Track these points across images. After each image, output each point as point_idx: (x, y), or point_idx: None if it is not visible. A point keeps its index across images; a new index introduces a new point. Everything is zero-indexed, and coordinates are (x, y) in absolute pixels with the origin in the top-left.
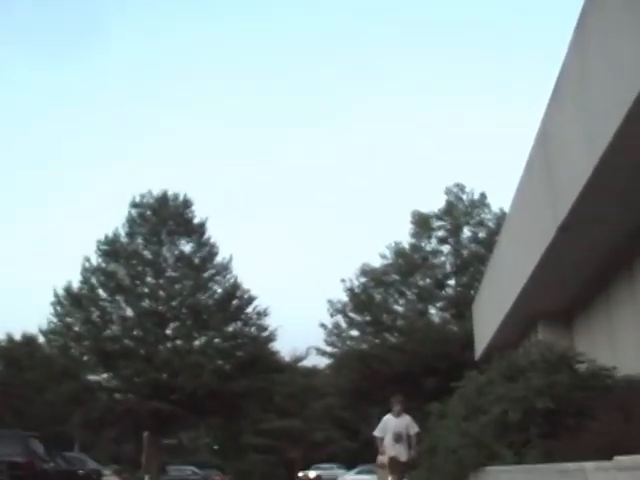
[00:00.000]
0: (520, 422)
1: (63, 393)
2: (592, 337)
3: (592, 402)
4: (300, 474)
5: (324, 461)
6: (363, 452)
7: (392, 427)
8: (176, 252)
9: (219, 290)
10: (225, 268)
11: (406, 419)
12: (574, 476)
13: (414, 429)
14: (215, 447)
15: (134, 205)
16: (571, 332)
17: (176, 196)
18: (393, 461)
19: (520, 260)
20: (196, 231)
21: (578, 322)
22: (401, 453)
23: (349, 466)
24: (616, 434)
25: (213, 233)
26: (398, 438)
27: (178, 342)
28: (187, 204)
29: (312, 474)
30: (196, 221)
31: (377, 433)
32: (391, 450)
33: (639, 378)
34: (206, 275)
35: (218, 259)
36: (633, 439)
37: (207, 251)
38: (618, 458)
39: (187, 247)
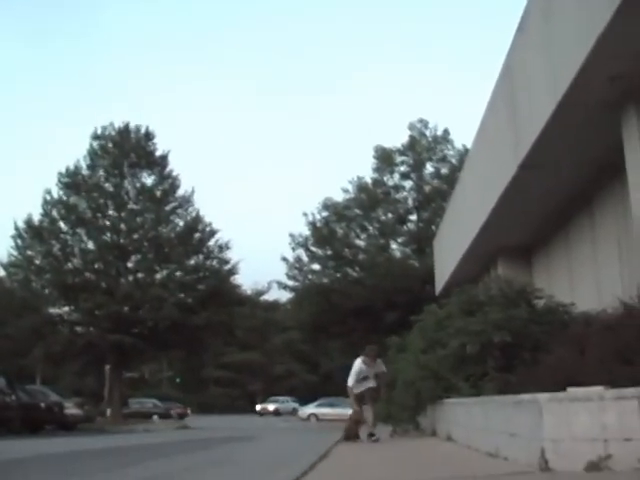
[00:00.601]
0: (478, 355)
1: (24, 327)
2: (551, 274)
3: (549, 337)
4: (258, 407)
5: (284, 394)
6: (323, 385)
7: (364, 373)
8: (138, 185)
9: (181, 223)
10: (187, 201)
11: (379, 366)
12: (528, 407)
13: (382, 368)
14: (177, 380)
15: (95, 137)
16: (530, 268)
17: (138, 128)
18: (359, 396)
19: (481, 196)
20: (158, 164)
21: (537, 259)
22: (366, 385)
23: (308, 399)
24: (571, 368)
25: (175, 166)
26: (365, 378)
27: (140, 275)
28: (149, 137)
29: (271, 407)
30: (158, 154)
31: (353, 384)
32: (357, 389)
33: (596, 314)
34: (168, 208)
35: (180, 192)
36: (587, 372)
37: (169, 184)
38: (571, 390)
39: (149, 180)
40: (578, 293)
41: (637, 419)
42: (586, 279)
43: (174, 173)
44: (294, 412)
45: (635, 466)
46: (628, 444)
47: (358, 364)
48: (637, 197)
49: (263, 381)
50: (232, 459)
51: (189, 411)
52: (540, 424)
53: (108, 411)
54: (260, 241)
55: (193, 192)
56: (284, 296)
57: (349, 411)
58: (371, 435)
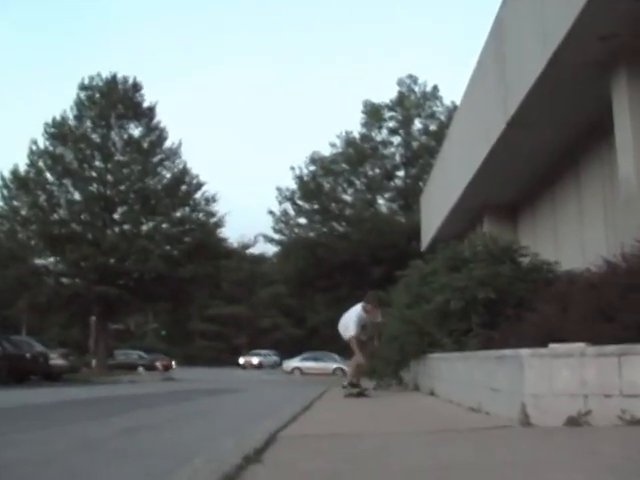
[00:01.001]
0: (462, 311)
1: (10, 277)
2: (536, 232)
3: (532, 294)
4: (241, 360)
5: (270, 348)
6: (308, 339)
7: (363, 321)
8: (125, 136)
9: (168, 175)
10: (174, 153)
11: (376, 315)
12: (510, 363)
13: (379, 318)
14: (162, 333)
15: (83, 88)
16: (516, 226)
17: (125, 79)
18: (359, 340)
19: (469, 154)
20: (145, 115)
21: (523, 217)
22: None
23: (293, 353)
24: (553, 325)
25: (163, 118)
26: (363, 327)
27: (126, 227)
28: (137, 87)
29: (255, 360)
30: (145, 105)
31: (357, 333)
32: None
33: (580, 273)
34: (155, 160)
35: (167, 144)
36: (569, 329)
37: (156, 135)
38: (553, 346)
39: (136, 131)
40: (563, 252)
41: (617, 376)
42: (571, 238)
43: (161, 125)
44: (275, 365)
45: (614, 422)
46: (608, 400)
47: (359, 311)
48: (624, 159)
49: (248, 334)
50: (216, 410)
51: (174, 363)
52: (521, 379)
53: (93, 362)
54: (247, 194)
55: (180, 144)
56: (270, 250)
57: (333, 365)
58: (350, 386)
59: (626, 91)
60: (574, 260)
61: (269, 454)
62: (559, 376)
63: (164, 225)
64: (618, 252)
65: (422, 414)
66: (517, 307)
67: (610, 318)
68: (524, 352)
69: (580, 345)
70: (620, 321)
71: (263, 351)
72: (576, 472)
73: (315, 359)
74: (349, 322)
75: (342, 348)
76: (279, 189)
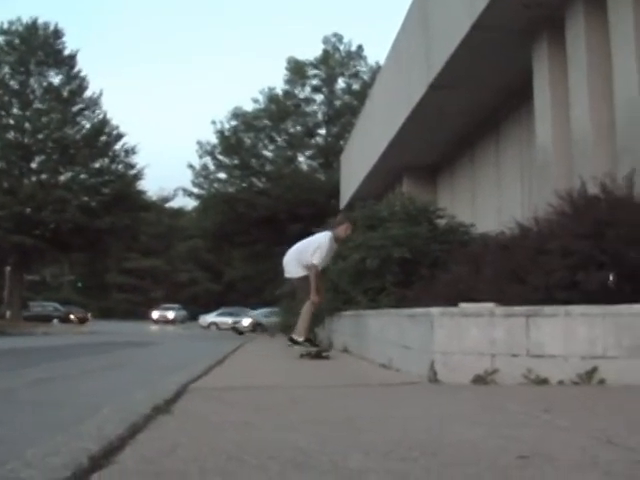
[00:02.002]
0: (377, 270)
1: None
2: (455, 195)
3: (447, 255)
4: (154, 315)
5: (188, 302)
6: (226, 294)
7: (331, 254)
8: (44, 84)
9: (87, 125)
10: (94, 103)
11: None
12: (421, 320)
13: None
14: (78, 285)
15: (2, 32)
16: (435, 188)
17: (46, 25)
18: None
19: (390, 114)
20: (66, 63)
21: (442, 179)
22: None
23: (210, 308)
24: (465, 285)
25: (84, 67)
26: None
27: (43, 176)
28: (58, 34)
29: (170, 315)
30: (66, 53)
31: (319, 261)
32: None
33: (494, 235)
34: (74, 109)
35: (87, 93)
36: (480, 290)
37: (77, 84)
38: (463, 305)
39: (56, 79)
40: (480, 215)
41: (524, 336)
42: (488, 202)
43: (82, 74)
44: (185, 320)
45: (519, 381)
46: (514, 359)
47: (329, 241)
48: (541, 126)
49: (166, 288)
50: (130, 363)
51: (90, 316)
52: (431, 337)
53: (8, 313)
54: (168, 148)
55: (101, 94)
56: (190, 204)
57: (249, 321)
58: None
59: (546, 59)
60: (490, 223)
61: (179, 405)
62: (468, 335)
63: (82, 175)
64: (531, 216)
65: (334, 370)
66: (432, 267)
67: (520, 280)
68: (435, 311)
69: (489, 305)
70: (529, 283)
71: (175, 305)
72: (478, 426)
73: (231, 314)
74: (306, 254)
75: (260, 303)
76: (200, 143)
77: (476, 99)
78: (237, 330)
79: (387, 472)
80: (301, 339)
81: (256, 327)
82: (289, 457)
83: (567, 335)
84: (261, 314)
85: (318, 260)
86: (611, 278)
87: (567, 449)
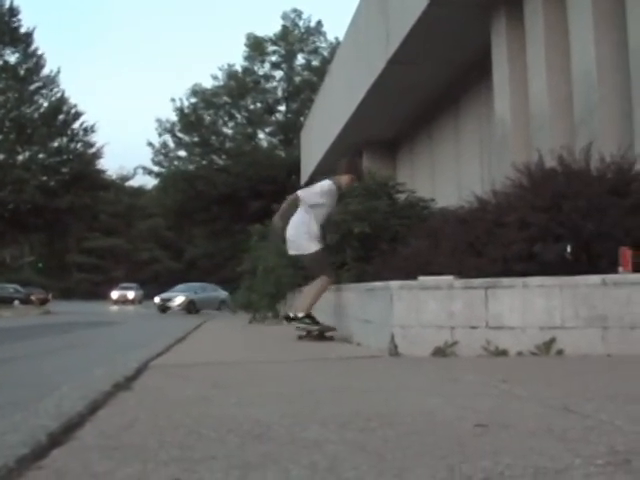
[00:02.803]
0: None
1: None
2: (414, 170)
3: (408, 230)
4: (114, 295)
5: (150, 281)
6: (187, 272)
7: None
8: (0, 62)
9: (45, 104)
10: (52, 81)
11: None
12: (381, 294)
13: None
14: (39, 265)
15: None
16: (395, 163)
17: (2, 3)
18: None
19: (350, 89)
20: (22, 41)
21: (402, 154)
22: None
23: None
24: (425, 259)
25: (41, 45)
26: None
27: (1, 156)
28: (13, 12)
29: (131, 294)
30: (23, 30)
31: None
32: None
33: (454, 209)
34: (32, 88)
35: (45, 72)
36: (439, 263)
37: (33, 63)
38: (422, 278)
39: (12, 57)
40: (439, 190)
41: (483, 308)
42: (448, 177)
43: (39, 52)
44: (141, 299)
45: (479, 353)
46: (473, 332)
47: (331, 186)
48: (500, 99)
49: (127, 267)
50: (91, 342)
51: (51, 297)
52: (391, 311)
53: None
54: (127, 126)
55: (59, 72)
56: (150, 182)
57: (182, 299)
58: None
59: (504, 33)
60: (450, 198)
61: (139, 382)
62: (427, 308)
63: (41, 155)
64: (490, 190)
65: (294, 345)
66: (392, 242)
67: (478, 252)
68: (394, 284)
69: (448, 278)
70: (487, 255)
71: (132, 284)
72: (436, 396)
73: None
74: (311, 225)
75: (222, 280)
76: (159, 121)
77: (435, 74)
78: (163, 308)
79: (344, 442)
80: (301, 314)
81: (190, 306)
82: (248, 430)
83: (525, 306)
84: (193, 289)
85: (316, 245)
86: (568, 249)
87: (523, 417)
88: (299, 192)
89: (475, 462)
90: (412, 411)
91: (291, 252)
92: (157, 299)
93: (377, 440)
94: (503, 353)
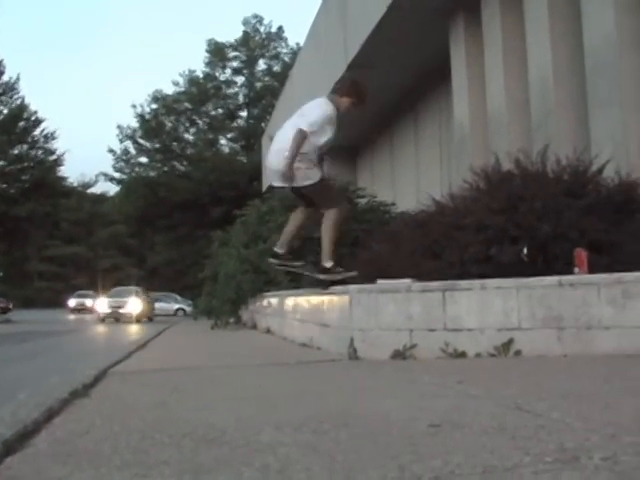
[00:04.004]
0: (298, 250)
1: None
2: (375, 174)
3: (368, 234)
4: (71, 303)
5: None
6: (149, 280)
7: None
8: None
9: (5, 111)
10: (12, 88)
11: None
12: (339, 298)
13: None
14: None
15: None
16: (355, 168)
17: None
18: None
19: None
20: None
21: (362, 159)
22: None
23: None
24: (384, 262)
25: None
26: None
27: None
28: None
29: (89, 302)
30: None
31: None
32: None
33: (414, 214)
34: None
35: (4, 78)
36: (398, 266)
37: None
38: (380, 282)
39: None
40: (400, 194)
41: (441, 311)
42: (408, 181)
43: None
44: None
45: (437, 355)
46: (432, 334)
47: (327, 105)
48: (459, 103)
49: (88, 275)
50: (51, 350)
51: (11, 305)
52: (350, 315)
53: None
54: (88, 133)
55: (18, 79)
56: (112, 189)
57: (174, 306)
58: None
59: (463, 38)
60: (411, 202)
61: (98, 389)
62: (386, 311)
63: (0, 162)
64: (448, 193)
65: (255, 350)
66: (352, 246)
67: (436, 256)
68: (352, 288)
69: (406, 281)
70: (445, 258)
71: (89, 292)
72: (392, 398)
73: (156, 300)
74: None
75: (184, 288)
76: (120, 127)
77: (395, 79)
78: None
79: (297, 445)
80: (329, 264)
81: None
82: (203, 434)
83: (483, 308)
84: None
85: (307, 126)
86: (524, 251)
87: (477, 416)
88: (301, 126)
89: (426, 461)
90: (367, 413)
91: (276, 184)
92: (102, 305)
93: (330, 442)
94: (462, 355)
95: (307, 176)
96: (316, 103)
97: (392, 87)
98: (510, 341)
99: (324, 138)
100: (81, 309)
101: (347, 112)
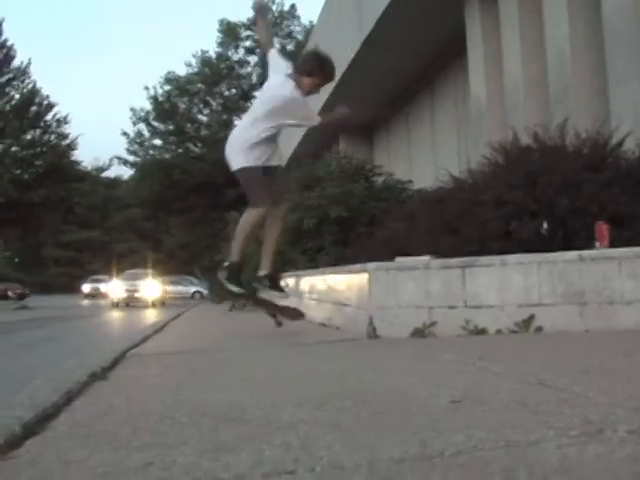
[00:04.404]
0: (315, 229)
1: None
2: (391, 153)
3: (385, 212)
4: (85, 289)
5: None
6: (166, 263)
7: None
8: None
9: (17, 96)
10: (23, 72)
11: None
12: (358, 277)
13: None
14: (15, 260)
15: None
16: (372, 146)
17: None
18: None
19: None
20: None
21: (379, 137)
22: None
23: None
24: (402, 240)
25: (10, 36)
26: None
27: None
28: None
29: (104, 287)
30: None
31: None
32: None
33: (431, 191)
34: (2, 80)
35: (16, 63)
36: (416, 244)
37: (3, 54)
38: (399, 259)
39: None
40: (417, 172)
41: (461, 288)
42: (425, 158)
43: (9, 43)
44: None
45: (457, 332)
46: (451, 311)
47: (284, 86)
48: (475, 79)
49: (104, 260)
50: (69, 335)
51: (28, 292)
52: (369, 293)
53: None
54: (101, 116)
55: (30, 63)
56: (126, 173)
57: (191, 289)
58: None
59: (478, 13)
60: (428, 179)
61: (116, 371)
62: (405, 289)
63: (14, 148)
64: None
65: (273, 331)
66: (369, 225)
67: (454, 232)
68: (371, 266)
69: (425, 258)
70: (464, 234)
71: (104, 276)
72: (412, 376)
73: (172, 283)
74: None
75: (199, 271)
76: (133, 110)
77: (410, 55)
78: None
79: (318, 423)
80: (262, 272)
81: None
82: (222, 413)
83: (503, 284)
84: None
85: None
86: (544, 226)
87: (498, 392)
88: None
89: (448, 437)
90: (387, 390)
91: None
92: (116, 289)
93: (351, 419)
94: (482, 332)
95: (237, 161)
96: (274, 83)
97: (408, 63)
98: (531, 317)
99: (271, 123)
100: (95, 294)
101: (310, 93)
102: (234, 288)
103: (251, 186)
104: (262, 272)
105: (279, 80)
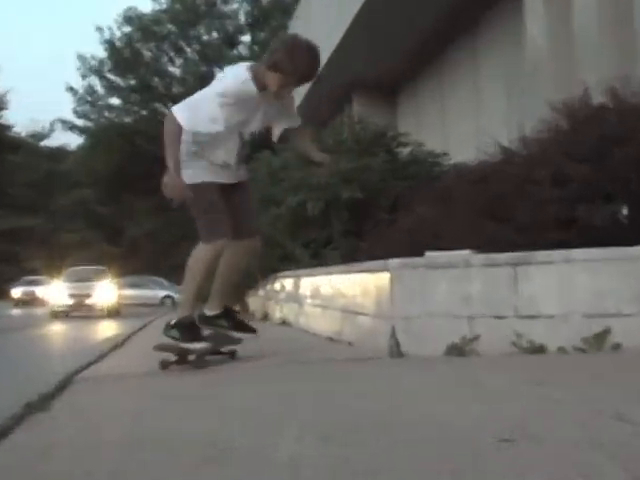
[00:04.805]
0: (321, 216)
1: None
2: (421, 117)
3: (413, 193)
4: (15, 294)
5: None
6: (128, 259)
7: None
8: None
9: None
10: None
11: (290, 109)
12: (376, 277)
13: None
14: None
15: None
16: (395, 110)
17: None
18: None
19: (334, 13)
20: None
21: (404, 98)
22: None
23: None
24: (433, 229)
25: None
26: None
27: None
28: None
29: (40, 291)
30: None
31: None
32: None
33: (471, 165)
34: None
35: None
36: (451, 235)
37: None
38: (430, 254)
39: None
40: (453, 141)
41: (511, 291)
42: (464, 124)
43: None
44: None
45: (508, 350)
46: (499, 323)
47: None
48: (533, 19)
49: (48, 254)
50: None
51: None
52: (390, 298)
53: None
54: (39, 65)
55: None
56: (74, 141)
57: (160, 293)
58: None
59: None
60: (467, 151)
61: (61, 399)
62: (437, 293)
63: None
64: (518, 137)
65: (267, 345)
66: (391, 210)
67: (503, 218)
68: (393, 263)
69: (464, 253)
70: (515, 221)
71: (40, 277)
72: (448, 403)
73: (135, 285)
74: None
75: (171, 270)
76: (82, 58)
77: None
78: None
79: (326, 457)
80: (211, 312)
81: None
82: (200, 450)
83: (567, 288)
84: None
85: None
86: (624, 212)
87: (563, 427)
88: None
89: None
90: (415, 419)
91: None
92: (58, 294)
93: (366, 456)
94: (539, 350)
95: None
96: (229, 73)
97: (441, 5)
98: (606, 331)
99: (214, 126)
100: (28, 300)
101: (279, 96)
102: (196, 345)
103: (197, 208)
104: (211, 312)
105: (234, 69)
